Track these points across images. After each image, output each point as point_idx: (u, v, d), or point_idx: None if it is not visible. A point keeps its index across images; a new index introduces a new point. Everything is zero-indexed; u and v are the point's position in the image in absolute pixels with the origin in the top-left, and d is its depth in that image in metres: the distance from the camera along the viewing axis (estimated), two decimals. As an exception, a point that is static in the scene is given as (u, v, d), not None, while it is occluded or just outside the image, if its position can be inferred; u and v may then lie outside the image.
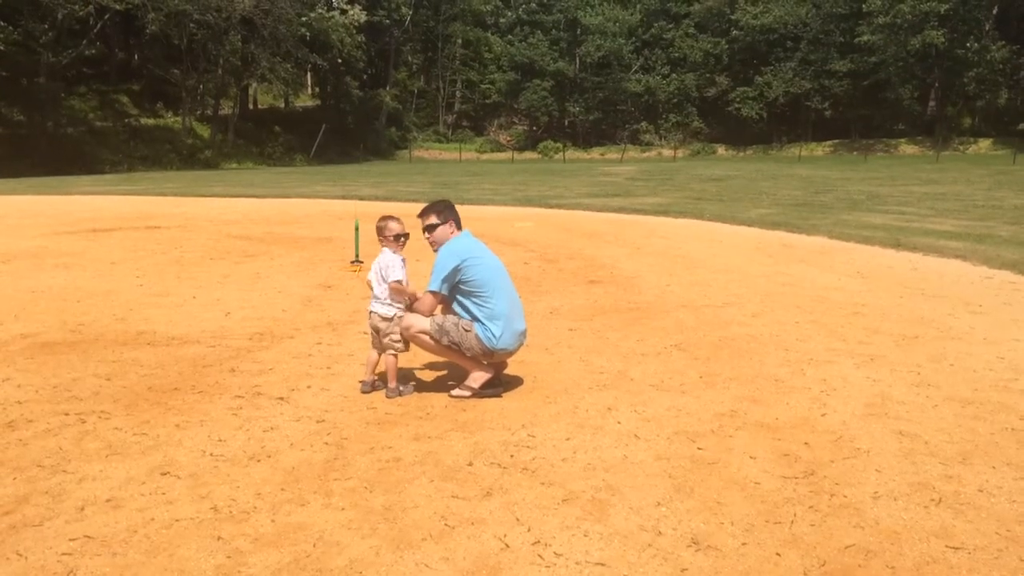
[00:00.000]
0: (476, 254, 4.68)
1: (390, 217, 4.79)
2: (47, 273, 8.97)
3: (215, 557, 2.81)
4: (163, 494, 3.33)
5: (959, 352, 5.57)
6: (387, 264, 4.64)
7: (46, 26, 39.65)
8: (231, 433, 4.04)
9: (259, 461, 3.68)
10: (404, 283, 4.62)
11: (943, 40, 52.26)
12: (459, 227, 4.81)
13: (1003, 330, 6.22)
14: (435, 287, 4.60)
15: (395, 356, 4.69)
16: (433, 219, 4.74)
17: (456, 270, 4.57)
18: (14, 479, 3.47)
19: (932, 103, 59.68)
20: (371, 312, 4.70)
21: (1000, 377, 4.98)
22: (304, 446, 3.87)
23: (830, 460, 3.67)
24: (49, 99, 42.23)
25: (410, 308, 4.69)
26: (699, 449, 3.81)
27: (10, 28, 38.22)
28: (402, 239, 4.72)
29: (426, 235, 4.80)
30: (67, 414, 4.31)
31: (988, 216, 14.48)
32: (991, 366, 5.23)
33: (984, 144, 53.75)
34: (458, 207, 4.97)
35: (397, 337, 4.66)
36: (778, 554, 2.83)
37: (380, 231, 4.73)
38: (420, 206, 5.00)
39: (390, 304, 4.65)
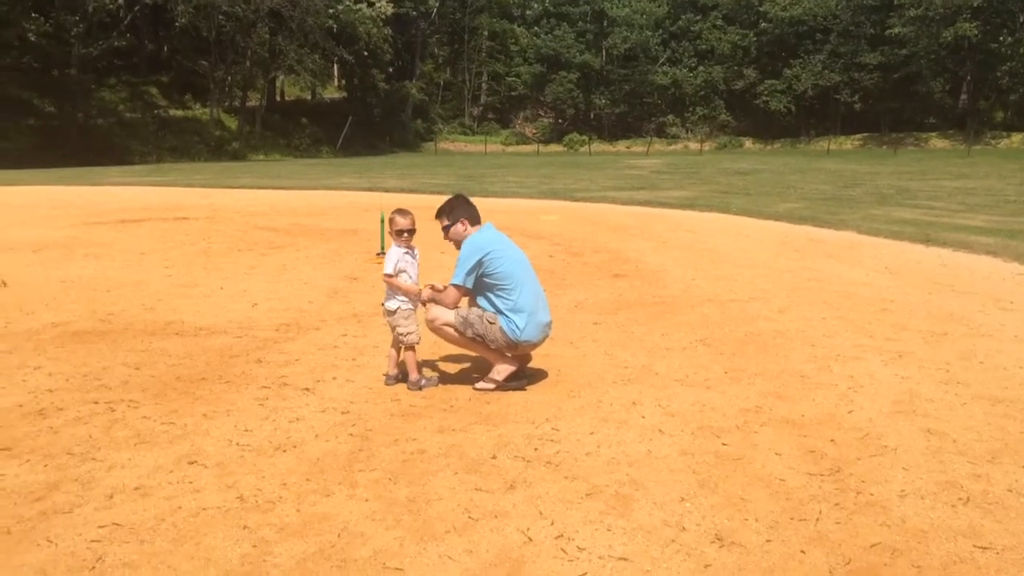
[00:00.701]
0: (499, 247, 4.70)
1: (397, 211, 4.83)
2: (77, 263, 9.09)
3: (241, 546, 2.84)
4: (190, 483, 3.37)
5: (989, 349, 5.50)
6: (387, 256, 4.73)
7: (77, 18, 40.05)
8: (257, 423, 4.08)
9: (285, 451, 3.71)
10: (395, 276, 4.66)
11: (976, 33, 51.39)
12: (474, 222, 4.83)
13: (1035, 328, 6.12)
14: (459, 280, 4.63)
15: (414, 349, 4.72)
16: (444, 221, 4.84)
17: (479, 263, 4.60)
18: (45, 466, 3.53)
19: (964, 96, 58.72)
20: (381, 304, 4.76)
21: (1031, 375, 4.91)
22: (329, 437, 3.90)
23: (856, 457, 3.64)
24: (80, 90, 42.70)
25: (435, 301, 4.72)
26: (724, 445, 3.80)
27: (42, 19, 38.67)
28: (404, 234, 4.74)
29: (445, 236, 4.89)
30: (97, 403, 4.38)
31: (1020, 212, 14.26)
32: (1022, 364, 5.15)
33: (1017, 138, 52.84)
34: (483, 200, 5.00)
35: (404, 330, 4.68)
36: (803, 551, 2.81)
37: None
38: (444, 198, 5.02)
39: (394, 297, 4.68)
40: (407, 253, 4.73)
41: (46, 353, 5.38)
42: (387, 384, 4.73)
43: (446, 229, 4.86)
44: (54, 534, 2.93)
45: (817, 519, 3.05)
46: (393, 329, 4.72)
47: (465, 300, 4.83)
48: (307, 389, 4.65)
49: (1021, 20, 53.63)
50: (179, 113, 51.09)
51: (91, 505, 3.16)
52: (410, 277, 4.72)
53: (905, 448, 3.75)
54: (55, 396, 4.48)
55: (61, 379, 4.80)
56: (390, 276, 4.65)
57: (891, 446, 3.78)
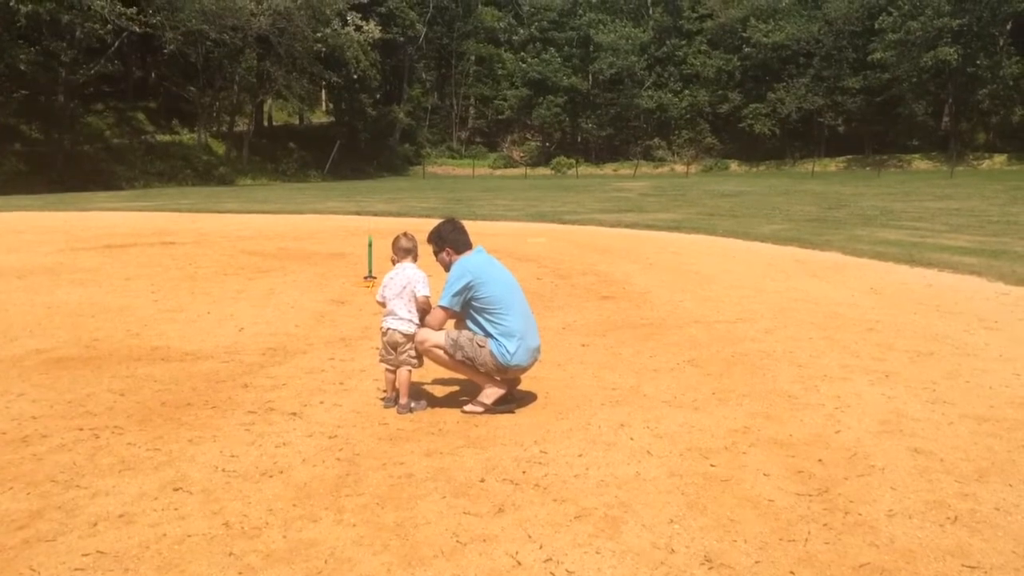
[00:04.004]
0: (488, 271, 4.72)
1: (403, 234, 4.92)
2: (63, 289, 9.03)
3: (227, 573, 2.81)
4: (175, 510, 3.33)
5: (975, 369, 5.53)
6: (418, 279, 4.73)
7: (65, 44, 40.06)
8: (243, 449, 4.05)
9: (271, 477, 3.69)
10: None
11: (956, 57, 52.06)
12: (461, 249, 4.85)
13: (1019, 347, 6.16)
14: (445, 302, 4.63)
15: (409, 372, 4.71)
16: (433, 247, 4.92)
17: (467, 287, 4.61)
18: (28, 494, 3.49)
19: (946, 119, 59.42)
20: (389, 328, 4.70)
21: (1016, 394, 4.94)
22: (316, 462, 3.87)
23: (844, 477, 3.65)
24: (67, 116, 42.64)
25: (421, 322, 4.73)
26: (712, 466, 3.79)
27: (31, 49, 38.65)
28: (412, 254, 4.88)
29: (436, 259, 4.97)
30: (81, 429, 4.34)
31: (1003, 232, 14.39)
32: (1007, 383, 5.18)
33: (999, 160, 53.39)
34: (472, 223, 5.02)
35: (414, 353, 4.69)
36: (792, 572, 2.81)
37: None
38: (434, 222, 5.08)
39: (410, 321, 4.68)
40: (395, 273, 4.79)
41: (30, 380, 5.33)
42: (387, 406, 4.72)
43: (435, 254, 4.93)
44: (37, 562, 2.89)
45: (806, 540, 3.05)
46: (400, 351, 4.68)
47: (450, 322, 4.83)
48: (294, 414, 4.63)
49: (1000, 44, 54.39)
50: (166, 138, 51.05)
51: (75, 533, 3.12)
52: (386, 295, 4.77)
53: (892, 468, 3.76)
54: (39, 423, 4.44)
55: (45, 406, 4.76)
56: (427, 298, 4.73)
57: (878, 466, 3.78)
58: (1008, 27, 54.79)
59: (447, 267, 4.83)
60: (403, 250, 4.87)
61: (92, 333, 6.79)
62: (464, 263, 4.73)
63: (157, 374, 5.50)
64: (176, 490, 3.53)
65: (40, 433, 4.27)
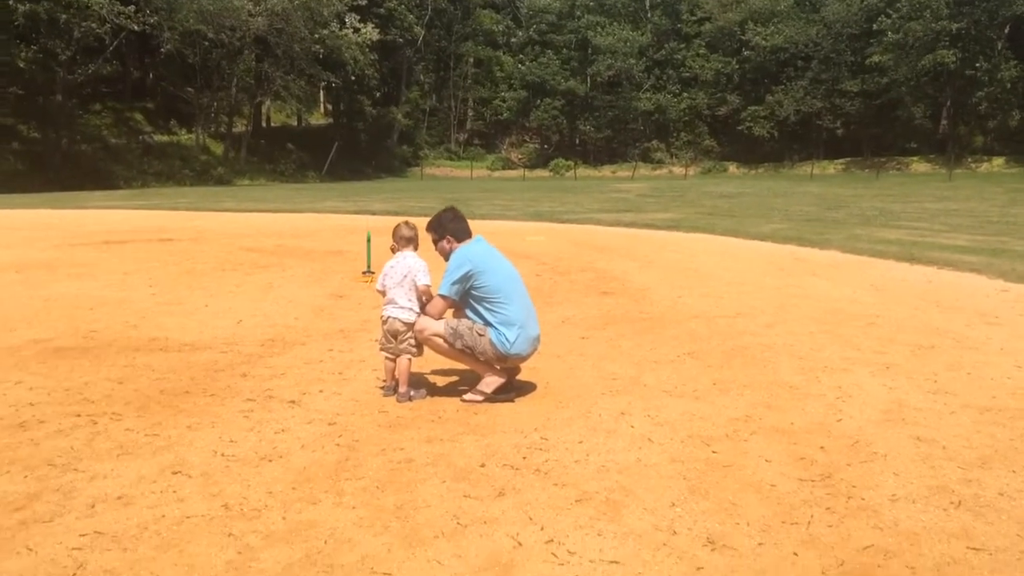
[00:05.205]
0: (488, 261, 4.71)
1: (404, 223, 4.90)
2: (60, 282, 9.00)
3: (226, 553, 2.79)
4: (174, 492, 3.31)
5: (976, 361, 5.51)
6: (419, 268, 4.71)
7: (63, 44, 40.01)
8: (242, 435, 4.03)
9: (270, 461, 3.66)
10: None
11: (954, 60, 52.16)
12: (461, 238, 4.83)
13: (1020, 341, 6.15)
14: (445, 291, 4.62)
15: (409, 360, 4.69)
16: (432, 236, 4.90)
17: (467, 276, 4.59)
18: (25, 477, 3.46)
19: (944, 122, 59.52)
20: (390, 317, 4.69)
21: (1018, 385, 4.92)
22: (315, 447, 3.85)
23: (847, 464, 3.63)
24: (64, 116, 42.56)
25: (421, 311, 4.71)
26: (714, 452, 3.77)
27: (30, 48, 38.59)
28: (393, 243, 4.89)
29: (435, 248, 4.95)
30: (79, 415, 4.31)
31: (1003, 231, 14.39)
32: (1009, 375, 5.17)
33: (997, 162, 53.48)
34: (470, 222, 4.97)
35: (414, 341, 4.68)
36: (795, 554, 2.79)
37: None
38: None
39: (411, 309, 4.66)
40: (395, 262, 4.77)
41: (27, 368, 5.30)
42: (386, 395, 4.70)
43: (434, 243, 4.91)
44: (34, 542, 2.86)
45: (809, 523, 3.03)
46: (400, 340, 4.67)
47: (450, 311, 4.81)
48: (293, 402, 4.60)
49: (998, 47, 54.48)
50: (164, 138, 50.99)
51: (72, 514, 3.10)
52: (386, 284, 4.76)
53: (895, 455, 3.74)
54: (36, 409, 4.41)
55: (43, 393, 4.73)
56: (428, 287, 4.71)
57: (881, 453, 3.77)
58: (1006, 31, 54.88)
59: (447, 256, 4.81)
60: (404, 239, 4.85)
61: (90, 324, 6.76)
62: (464, 252, 4.71)
63: (155, 364, 5.47)
64: (175, 473, 3.51)
65: (37, 419, 4.25)
